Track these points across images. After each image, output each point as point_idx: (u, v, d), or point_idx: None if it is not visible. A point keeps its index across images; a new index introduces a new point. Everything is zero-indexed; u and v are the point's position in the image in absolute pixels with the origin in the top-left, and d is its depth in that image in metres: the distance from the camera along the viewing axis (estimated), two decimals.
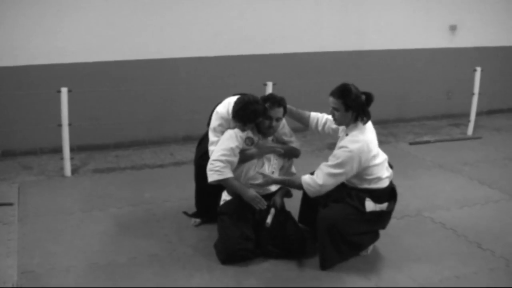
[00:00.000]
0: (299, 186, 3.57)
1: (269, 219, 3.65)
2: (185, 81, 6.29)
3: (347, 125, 3.54)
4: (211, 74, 6.39)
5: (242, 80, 6.13)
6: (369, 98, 3.48)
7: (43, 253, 3.68)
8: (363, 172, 3.48)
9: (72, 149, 5.39)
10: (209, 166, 3.63)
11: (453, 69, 7.64)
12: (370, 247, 3.76)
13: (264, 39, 6.55)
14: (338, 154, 3.44)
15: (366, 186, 3.54)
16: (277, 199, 3.80)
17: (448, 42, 7.64)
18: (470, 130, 7.09)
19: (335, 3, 6.84)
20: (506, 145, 6.63)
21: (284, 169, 3.90)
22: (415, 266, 3.62)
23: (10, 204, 4.48)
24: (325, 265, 3.53)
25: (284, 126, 3.85)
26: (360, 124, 3.48)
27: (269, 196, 3.80)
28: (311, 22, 6.77)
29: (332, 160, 3.45)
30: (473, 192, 4.99)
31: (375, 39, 7.15)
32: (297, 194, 3.98)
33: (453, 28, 7.57)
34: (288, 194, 3.95)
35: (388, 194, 3.63)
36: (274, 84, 5.78)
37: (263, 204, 3.62)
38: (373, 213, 3.54)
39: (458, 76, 7.57)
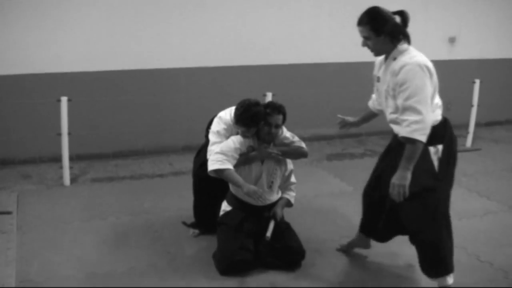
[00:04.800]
0: None
1: (269, 233, 3.62)
2: (184, 91, 6.30)
3: (387, 52, 3.14)
4: (210, 84, 6.41)
5: (242, 90, 6.12)
6: (404, 17, 3.08)
7: (42, 262, 3.66)
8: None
9: (71, 158, 5.40)
10: (211, 158, 3.60)
11: (452, 81, 7.64)
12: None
13: (264, 49, 6.58)
14: (401, 77, 2.98)
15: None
16: (278, 210, 3.78)
17: (447, 54, 7.68)
18: (469, 142, 7.10)
19: (335, 14, 6.88)
20: (505, 156, 6.64)
21: (284, 178, 3.89)
22: (414, 277, 3.61)
23: (9, 213, 4.47)
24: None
25: (283, 132, 3.86)
26: (405, 46, 3.10)
27: (269, 207, 3.80)
28: (311, 33, 6.81)
29: (402, 90, 2.98)
30: (471, 204, 4.99)
31: None
32: (297, 204, 3.99)
33: (452, 40, 7.61)
34: (289, 204, 3.94)
35: (443, 131, 3.25)
36: (273, 95, 5.79)
37: (264, 199, 3.61)
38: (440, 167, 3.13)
39: (457, 87, 7.58)
